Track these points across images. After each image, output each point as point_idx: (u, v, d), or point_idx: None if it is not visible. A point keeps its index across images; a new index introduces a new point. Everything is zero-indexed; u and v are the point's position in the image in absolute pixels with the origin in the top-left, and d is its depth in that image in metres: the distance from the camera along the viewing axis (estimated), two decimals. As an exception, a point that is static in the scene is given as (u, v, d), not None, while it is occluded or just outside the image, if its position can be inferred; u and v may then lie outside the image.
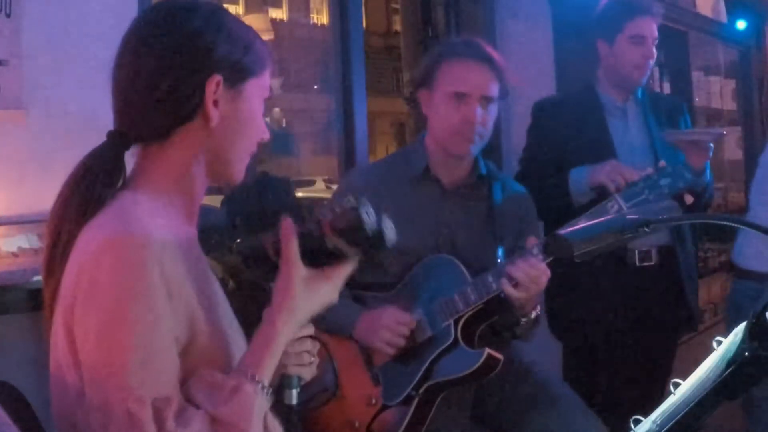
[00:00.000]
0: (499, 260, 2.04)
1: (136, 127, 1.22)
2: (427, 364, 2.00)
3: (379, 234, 1.20)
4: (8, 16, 2.00)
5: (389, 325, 1.99)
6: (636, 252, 2.52)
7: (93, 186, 1.19)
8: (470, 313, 1.99)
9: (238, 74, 1.23)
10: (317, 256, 1.22)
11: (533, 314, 2.02)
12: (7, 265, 1.94)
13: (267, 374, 1.17)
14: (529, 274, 1.90)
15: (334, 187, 3.32)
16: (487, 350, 1.95)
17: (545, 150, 2.58)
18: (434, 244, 2.12)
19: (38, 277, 1.88)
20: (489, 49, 2.15)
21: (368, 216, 1.19)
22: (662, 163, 2.02)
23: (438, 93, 2.11)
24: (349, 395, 2.03)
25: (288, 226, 1.21)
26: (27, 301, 1.91)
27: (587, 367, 2.61)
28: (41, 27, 2.07)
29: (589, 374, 2.58)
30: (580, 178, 2.37)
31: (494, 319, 2.05)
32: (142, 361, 1.07)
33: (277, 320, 1.20)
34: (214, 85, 1.20)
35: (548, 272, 1.93)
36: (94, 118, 2.20)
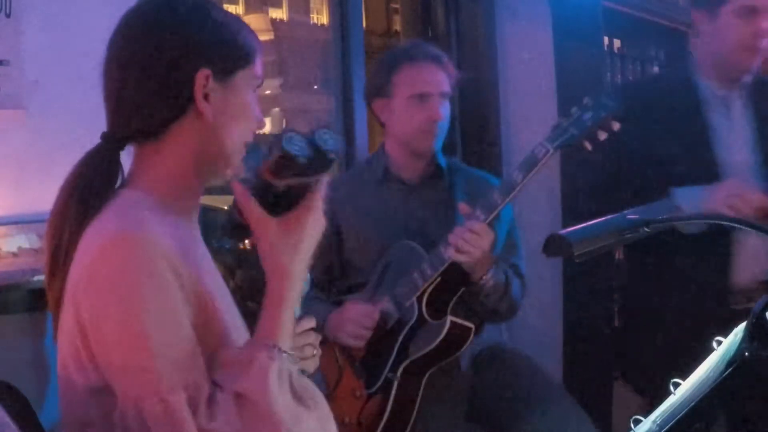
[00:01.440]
0: None
1: (129, 127, 1.22)
2: (398, 345, 2.04)
3: (317, 152, 1.19)
4: (8, 16, 2.00)
5: (352, 318, 2.05)
6: (736, 293, 2.07)
7: (91, 188, 1.19)
8: (431, 287, 2.03)
9: (227, 66, 1.22)
10: (279, 203, 1.20)
11: (488, 279, 2.02)
12: (7, 265, 1.94)
13: (282, 338, 1.15)
14: (467, 237, 1.93)
15: (334, 187, 3.31)
16: (450, 317, 1.99)
17: (629, 159, 2.10)
18: (404, 237, 2.16)
19: (38, 277, 1.89)
20: (437, 49, 2.22)
21: (293, 143, 1.17)
22: (586, 99, 1.89)
23: (398, 98, 2.17)
24: (336, 393, 2.06)
25: (237, 188, 1.19)
26: (27, 301, 1.92)
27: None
28: (41, 27, 2.07)
29: None
30: (689, 204, 1.93)
31: (460, 293, 2.07)
32: (167, 351, 1.07)
33: (274, 282, 1.18)
34: (204, 79, 1.19)
35: (491, 234, 1.95)
36: (94, 118, 2.20)
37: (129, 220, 1.14)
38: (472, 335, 2.01)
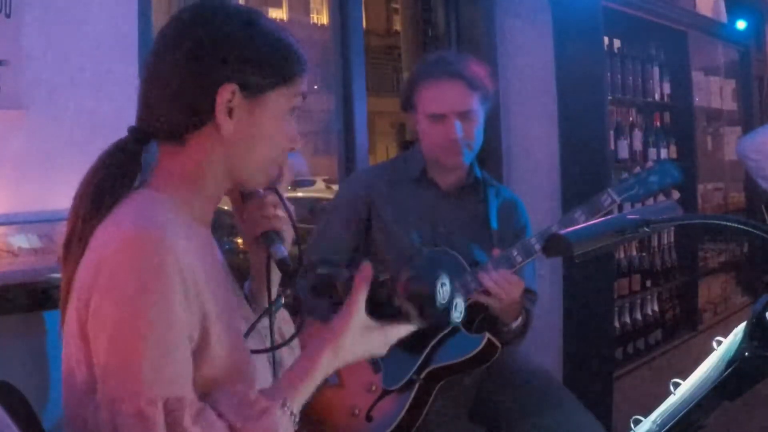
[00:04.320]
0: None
1: (152, 125, 1.22)
2: (428, 350, 2.04)
3: (446, 311, 1.23)
4: (8, 16, 2.00)
5: None
6: None
7: (110, 181, 1.19)
8: (471, 300, 2.04)
9: (259, 84, 1.20)
10: (381, 309, 1.24)
11: (514, 324, 2.08)
12: (7, 265, 1.94)
13: (298, 403, 1.18)
14: (497, 283, 1.99)
15: (335, 187, 3.31)
16: (487, 335, 2.02)
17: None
18: (431, 241, 2.17)
19: (39, 277, 1.88)
20: (461, 62, 2.20)
21: (442, 291, 1.21)
22: (649, 163, 2.05)
23: (419, 116, 2.19)
24: (348, 383, 2.06)
25: (365, 271, 1.23)
26: (27, 301, 1.91)
27: None
28: (41, 27, 2.07)
29: None
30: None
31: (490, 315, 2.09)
32: (156, 361, 1.06)
33: (322, 354, 1.21)
34: (229, 94, 1.18)
35: (521, 283, 2.01)
36: (94, 118, 2.20)
37: (147, 220, 1.13)
38: (498, 353, 2.03)
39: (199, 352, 1.13)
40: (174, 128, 1.20)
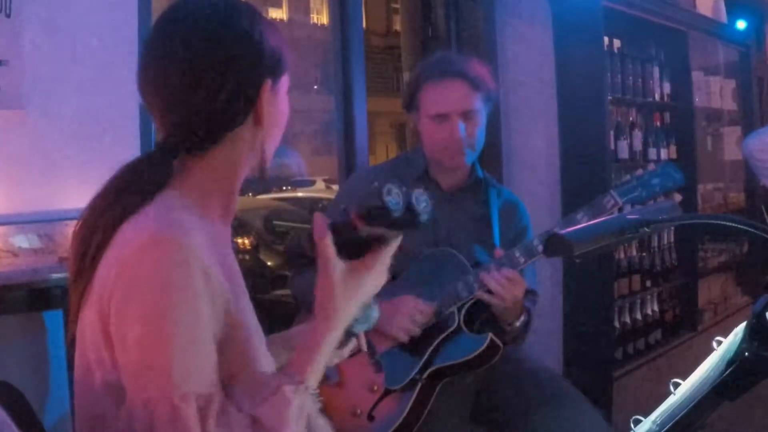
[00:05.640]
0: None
1: (190, 136, 1.20)
2: (431, 349, 2.04)
3: (409, 210, 1.19)
4: (8, 16, 2.00)
5: (407, 312, 2.03)
6: None
7: (138, 194, 1.17)
8: (472, 301, 2.05)
9: (279, 73, 1.24)
10: (354, 248, 1.21)
11: (517, 323, 2.07)
12: (7, 265, 1.94)
13: (311, 375, 1.17)
14: (500, 283, 1.98)
15: (335, 187, 3.31)
16: (491, 335, 2.02)
17: None
18: (432, 241, 2.17)
19: (38, 278, 1.88)
20: (463, 62, 2.20)
21: (392, 196, 1.18)
22: (652, 165, 2.05)
23: (422, 116, 2.19)
24: (350, 383, 2.05)
25: (319, 221, 1.20)
26: (27, 301, 1.91)
27: None
28: (41, 27, 2.07)
29: None
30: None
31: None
32: (186, 359, 1.07)
33: (319, 321, 1.20)
34: (268, 90, 1.22)
35: (523, 283, 2.00)
36: (94, 118, 2.20)
37: (169, 222, 1.13)
38: (500, 354, 2.03)
39: (224, 348, 1.13)
40: (214, 135, 1.20)
